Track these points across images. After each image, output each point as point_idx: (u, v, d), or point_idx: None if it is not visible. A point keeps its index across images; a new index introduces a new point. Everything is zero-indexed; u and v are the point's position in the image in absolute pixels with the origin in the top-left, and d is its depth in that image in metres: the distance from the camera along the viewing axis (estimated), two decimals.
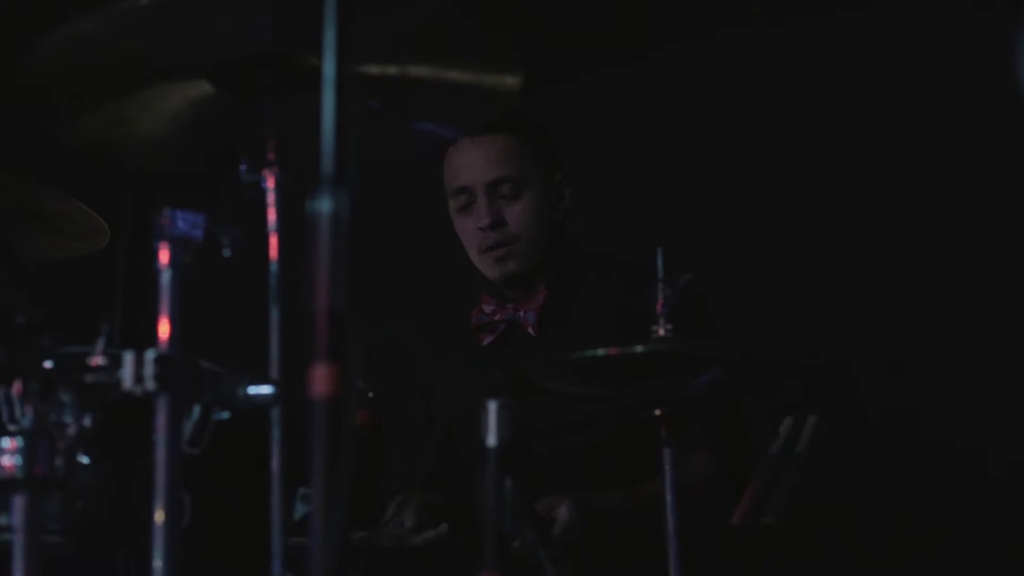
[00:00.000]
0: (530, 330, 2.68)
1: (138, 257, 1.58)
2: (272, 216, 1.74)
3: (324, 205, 1.27)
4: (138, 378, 1.50)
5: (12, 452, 1.56)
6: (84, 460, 1.61)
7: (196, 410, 1.59)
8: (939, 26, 3.27)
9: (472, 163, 2.68)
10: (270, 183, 1.75)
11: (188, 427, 1.57)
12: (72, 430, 1.60)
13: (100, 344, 1.58)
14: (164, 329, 1.52)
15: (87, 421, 1.61)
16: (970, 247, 3.22)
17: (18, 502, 1.56)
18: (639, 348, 1.91)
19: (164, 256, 1.54)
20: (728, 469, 2.55)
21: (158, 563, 1.47)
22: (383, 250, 3.55)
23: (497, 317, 2.71)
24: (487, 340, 2.72)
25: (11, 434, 1.57)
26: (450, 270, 2.75)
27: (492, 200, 2.67)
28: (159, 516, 1.48)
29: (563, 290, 2.70)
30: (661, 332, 2.00)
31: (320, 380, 1.25)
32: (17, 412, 1.60)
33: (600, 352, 1.89)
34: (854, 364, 3.22)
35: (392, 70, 1.77)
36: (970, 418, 3.17)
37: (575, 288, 2.71)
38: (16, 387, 1.60)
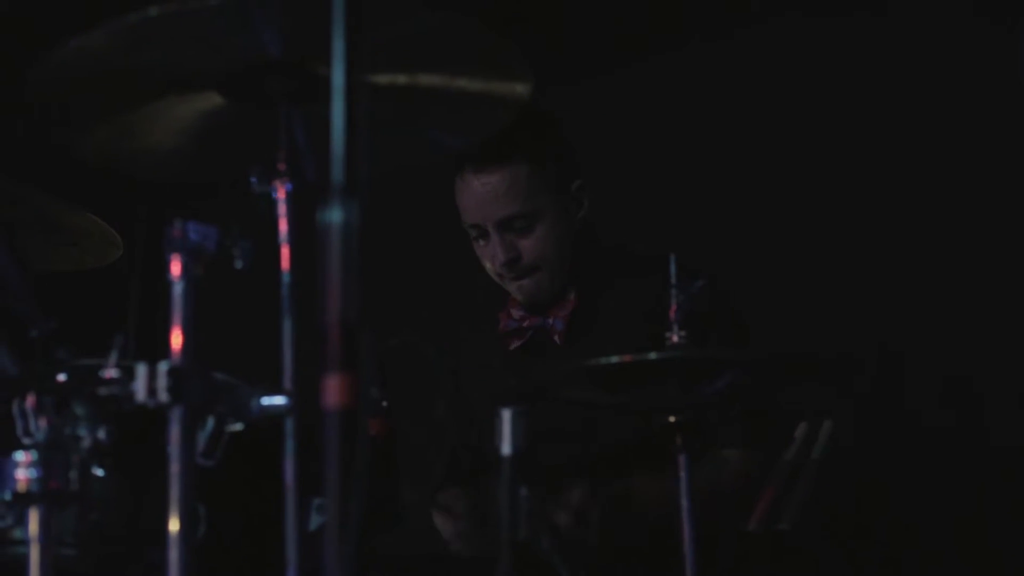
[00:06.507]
0: (556, 338, 2.62)
1: (154, 270, 1.58)
2: (284, 226, 1.73)
3: (335, 215, 1.27)
4: (151, 390, 1.51)
5: (27, 465, 1.56)
6: (99, 473, 1.62)
7: (210, 422, 1.59)
8: (947, 24, 3.26)
9: (481, 201, 2.56)
10: (281, 194, 1.74)
11: (202, 439, 1.57)
12: (86, 443, 1.60)
13: (113, 357, 1.58)
14: (177, 341, 1.52)
15: (101, 434, 1.61)
16: (994, 237, 3.19)
17: (33, 515, 1.56)
18: (652, 355, 1.91)
19: (176, 268, 1.54)
20: (763, 470, 2.51)
21: (173, 575, 1.47)
22: (412, 252, 3.58)
23: (526, 324, 2.64)
24: (514, 345, 2.65)
25: (26, 447, 1.58)
26: (480, 273, 2.67)
27: (505, 235, 2.57)
28: (174, 527, 1.48)
29: (592, 295, 2.63)
30: (675, 339, 2.00)
31: (332, 390, 1.25)
32: (32, 425, 1.60)
33: (614, 360, 1.88)
34: (867, 360, 3.19)
35: (402, 79, 1.77)
36: (989, 413, 3.15)
37: (604, 292, 2.63)
38: (30, 400, 1.60)
